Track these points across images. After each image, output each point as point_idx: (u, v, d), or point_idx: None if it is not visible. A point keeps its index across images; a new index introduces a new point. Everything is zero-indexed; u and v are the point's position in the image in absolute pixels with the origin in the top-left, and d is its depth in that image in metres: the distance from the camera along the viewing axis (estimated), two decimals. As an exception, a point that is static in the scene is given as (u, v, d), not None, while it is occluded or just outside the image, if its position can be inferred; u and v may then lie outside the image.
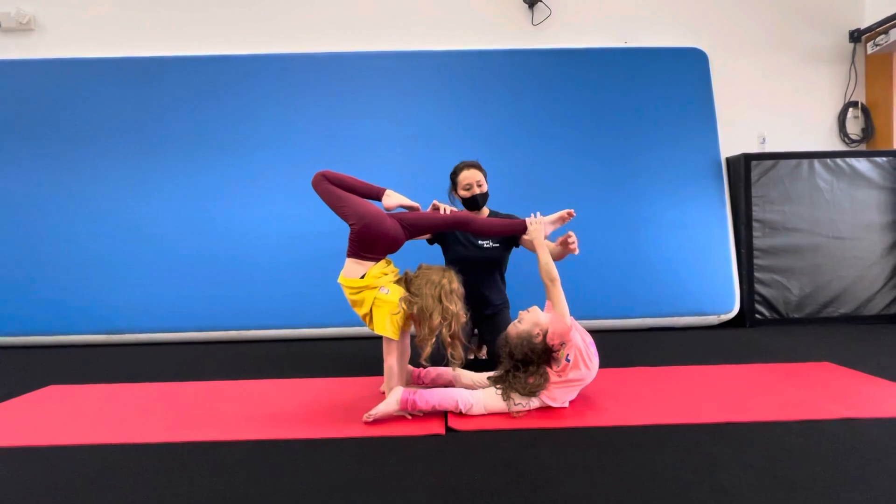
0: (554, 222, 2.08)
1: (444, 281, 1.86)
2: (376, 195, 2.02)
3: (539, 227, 2.00)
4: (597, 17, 3.79)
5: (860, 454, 1.44)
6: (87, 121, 3.49)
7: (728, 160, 3.60)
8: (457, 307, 1.84)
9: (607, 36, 3.77)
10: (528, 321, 1.82)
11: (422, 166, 3.31)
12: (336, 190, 1.93)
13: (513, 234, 2.19)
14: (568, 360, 1.77)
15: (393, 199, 2.02)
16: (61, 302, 3.27)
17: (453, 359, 1.86)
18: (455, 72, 3.61)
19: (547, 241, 2.07)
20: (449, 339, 1.84)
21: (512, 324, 1.86)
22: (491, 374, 1.90)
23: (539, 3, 3.75)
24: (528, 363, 1.79)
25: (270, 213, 3.42)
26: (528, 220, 2.04)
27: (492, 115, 3.55)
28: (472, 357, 2.56)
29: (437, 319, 1.81)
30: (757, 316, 3.40)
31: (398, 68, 3.60)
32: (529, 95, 3.58)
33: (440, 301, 1.82)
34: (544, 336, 1.78)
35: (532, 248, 2.17)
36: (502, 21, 3.79)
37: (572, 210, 2.10)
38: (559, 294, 1.85)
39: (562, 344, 1.78)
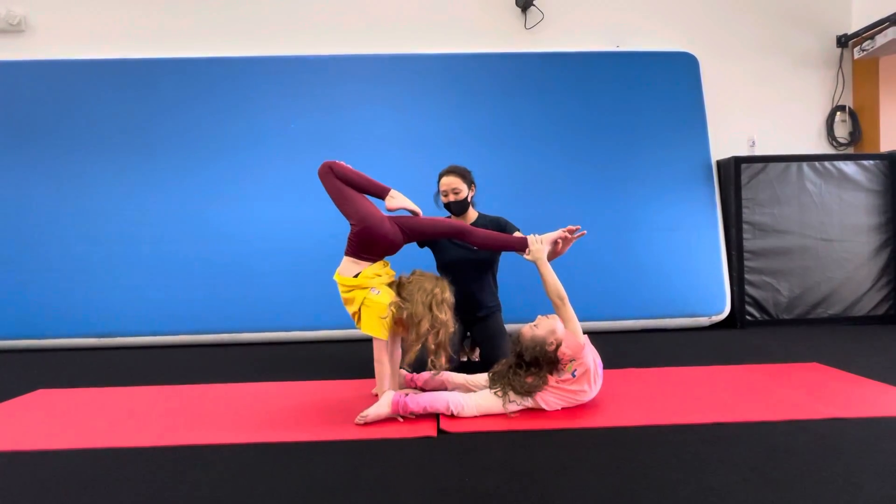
0: (553, 241, 2.05)
1: (437, 290, 1.87)
2: (380, 194, 2.00)
3: (541, 248, 1.97)
4: (589, 21, 3.83)
5: (846, 454, 1.45)
6: (79, 123, 3.46)
7: (718, 163, 3.63)
8: (446, 316, 1.85)
9: (599, 40, 3.80)
10: (545, 327, 1.82)
11: (416, 169, 3.30)
12: (341, 186, 1.92)
13: (510, 249, 2.16)
14: (573, 376, 1.79)
15: (397, 200, 2.00)
16: (52, 304, 3.25)
17: (433, 367, 1.86)
18: (449, 75, 3.62)
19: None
20: (433, 347, 1.84)
21: (528, 326, 1.85)
22: (493, 369, 1.90)
23: (532, 7, 3.78)
24: (532, 365, 1.79)
25: (264, 215, 3.41)
26: (529, 238, 2.01)
27: (485, 118, 3.57)
28: (464, 359, 2.56)
29: (425, 327, 1.82)
30: (747, 317, 3.43)
31: (392, 71, 3.61)
32: (522, 98, 3.60)
33: (430, 309, 1.83)
34: (557, 346, 1.79)
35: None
36: (496, 25, 3.81)
37: (573, 227, 2.05)
38: (570, 312, 1.84)
39: (571, 360, 1.79)
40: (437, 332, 1.83)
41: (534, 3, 3.76)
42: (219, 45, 3.68)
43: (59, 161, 3.43)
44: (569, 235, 2.07)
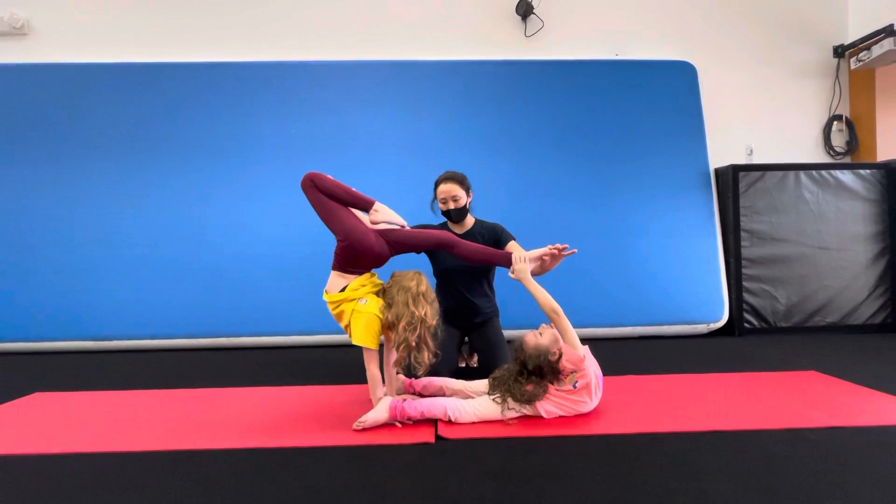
0: (536, 258, 2.03)
1: (413, 284, 1.85)
2: (364, 206, 1.96)
3: (525, 266, 1.96)
4: (588, 30, 3.86)
5: (843, 462, 1.46)
6: (79, 126, 3.48)
7: (716, 171, 3.65)
8: (422, 311, 1.81)
9: (599, 48, 3.84)
10: (549, 336, 1.82)
11: (415, 174, 3.33)
12: (324, 200, 1.90)
13: (495, 263, 2.16)
14: (574, 387, 1.79)
15: (381, 214, 1.95)
16: (49, 307, 3.24)
17: (417, 364, 1.82)
18: (449, 81, 3.65)
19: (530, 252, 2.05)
20: (413, 344, 1.80)
21: (532, 334, 1.85)
22: (493, 374, 1.89)
23: (532, 16, 3.81)
24: (534, 374, 1.79)
25: (261, 219, 3.42)
26: (513, 256, 2.01)
27: (485, 124, 3.59)
28: (463, 365, 2.56)
29: (402, 325, 1.80)
30: (745, 325, 3.44)
31: (393, 77, 3.64)
32: (522, 105, 3.62)
33: (408, 306, 1.81)
34: (560, 356, 1.79)
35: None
36: (496, 32, 3.84)
37: (562, 245, 2.03)
38: (566, 325, 1.84)
39: (573, 371, 1.79)
40: (415, 328, 1.80)
41: (534, 11, 3.79)
42: (221, 50, 3.71)
43: (59, 163, 3.43)
44: (556, 252, 2.03)
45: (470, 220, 2.40)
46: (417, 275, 1.91)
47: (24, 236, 3.35)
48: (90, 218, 3.38)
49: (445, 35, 3.81)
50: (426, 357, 1.82)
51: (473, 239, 2.26)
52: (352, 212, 1.96)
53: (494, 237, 2.34)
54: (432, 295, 1.89)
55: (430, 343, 1.84)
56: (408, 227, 2.04)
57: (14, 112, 3.48)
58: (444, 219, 2.40)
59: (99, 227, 3.37)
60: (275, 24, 3.78)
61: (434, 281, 2.35)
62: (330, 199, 1.91)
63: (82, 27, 3.71)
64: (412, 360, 1.83)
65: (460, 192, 2.31)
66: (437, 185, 2.36)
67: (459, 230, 2.36)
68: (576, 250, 2.05)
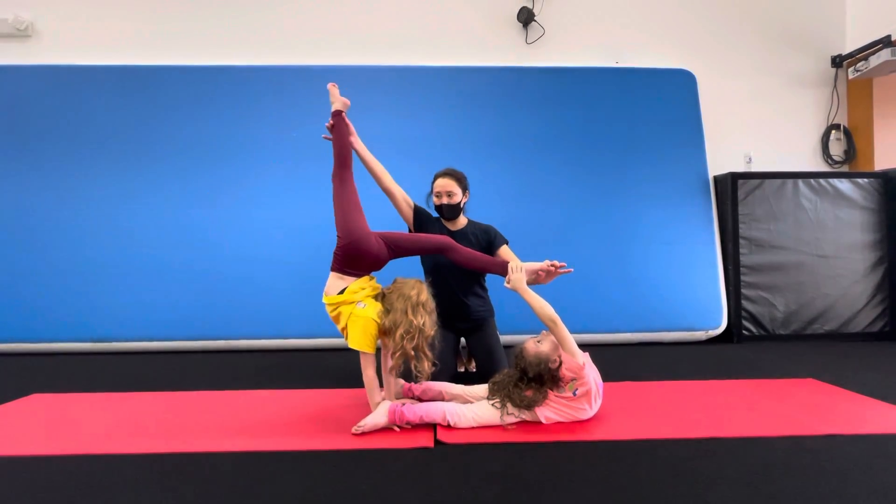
0: (532, 272, 2.04)
1: (413, 293, 1.86)
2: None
3: (521, 277, 1.96)
4: (589, 37, 3.89)
5: (841, 470, 1.46)
6: (80, 127, 3.49)
7: (715, 178, 3.67)
8: (420, 320, 1.81)
9: (599, 55, 3.86)
10: (549, 344, 1.82)
11: (415, 178, 3.33)
12: (347, 193, 1.98)
13: (491, 272, 2.16)
14: (574, 394, 1.79)
15: (334, 95, 2.12)
16: (47, 308, 3.23)
17: (419, 373, 1.82)
18: (450, 87, 3.67)
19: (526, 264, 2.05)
20: (412, 353, 1.80)
21: (532, 341, 1.85)
22: (494, 378, 1.89)
23: (533, 23, 3.84)
24: (533, 381, 1.80)
25: (261, 222, 3.43)
26: (509, 266, 2.01)
27: (485, 130, 3.61)
28: (461, 370, 2.56)
29: (400, 333, 1.80)
30: (744, 332, 3.44)
31: (396, 82, 3.66)
32: (522, 111, 3.64)
33: (407, 314, 1.82)
34: (560, 364, 1.80)
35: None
36: (498, 39, 3.87)
37: (559, 263, 2.04)
38: (564, 333, 1.84)
39: (573, 379, 1.80)
40: (413, 337, 1.80)
41: (535, 18, 3.82)
42: (222, 54, 3.73)
43: (60, 165, 3.44)
44: (552, 269, 2.05)
45: (463, 220, 2.40)
46: (419, 283, 1.92)
47: (24, 237, 3.34)
48: (90, 219, 3.38)
49: (446, 41, 3.84)
50: (426, 366, 1.83)
51: (466, 238, 2.27)
52: (362, 214, 2.00)
53: (488, 239, 2.34)
54: (432, 305, 1.89)
55: (428, 353, 1.84)
56: (349, 105, 2.15)
57: (17, 113, 3.49)
58: (438, 214, 2.38)
59: (99, 229, 3.37)
60: (276, 29, 3.80)
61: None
62: (342, 152, 2.06)
63: (85, 30, 3.73)
64: (413, 369, 1.84)
65: (456, 189, 2.31)
66: (435, 178, 2.36)
67: (452, 227, 2.36)
68: (572, 270, 2.06)
